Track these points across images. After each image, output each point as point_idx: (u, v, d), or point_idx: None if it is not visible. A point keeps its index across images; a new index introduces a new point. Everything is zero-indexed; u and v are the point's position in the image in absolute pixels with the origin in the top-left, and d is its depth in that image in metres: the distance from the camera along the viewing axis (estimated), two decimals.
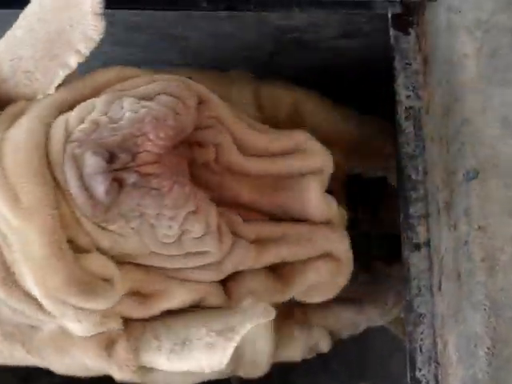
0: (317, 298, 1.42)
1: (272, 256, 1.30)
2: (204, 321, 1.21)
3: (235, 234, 1.23)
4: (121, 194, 1.06)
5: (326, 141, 1.41)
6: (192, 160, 1.21)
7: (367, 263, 1.70)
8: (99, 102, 1.13)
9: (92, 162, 1.04)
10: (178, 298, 1.22)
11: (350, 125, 1.64)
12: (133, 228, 1.10)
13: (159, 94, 1.15)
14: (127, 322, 1.21)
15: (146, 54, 1.69)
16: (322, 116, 1.58)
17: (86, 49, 1.18)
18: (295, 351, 1.57)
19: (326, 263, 1.35)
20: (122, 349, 1.20)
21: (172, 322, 1.22)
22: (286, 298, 1.35)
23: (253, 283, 1.29)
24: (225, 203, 1.25)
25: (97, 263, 1.11)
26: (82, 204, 1.06)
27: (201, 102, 1.21)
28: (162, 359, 1.20)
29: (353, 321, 1.63)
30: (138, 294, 1.20)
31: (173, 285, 1.21)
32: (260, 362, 1.41)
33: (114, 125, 1.08)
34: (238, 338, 1.16)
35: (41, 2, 1.21)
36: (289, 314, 1.53)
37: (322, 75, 1.73)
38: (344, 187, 1.62)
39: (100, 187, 1.04)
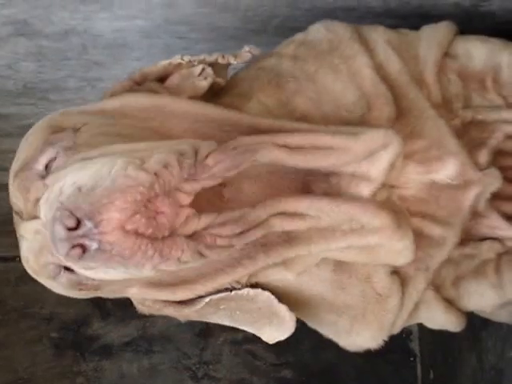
0: None
1: None
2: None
3: None
4: (85, 256, 1.14)
5: None
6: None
7: None
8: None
9: (55, 230, 1.14)
10: None
11: None
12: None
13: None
14: None
15: (349, 1, 1.68)
16: None
17: None
18: (485, 306, 1.58)
19: None
20: None
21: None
22: None
23: None
24: None
25: None
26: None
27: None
28: None
29: None
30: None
31: None
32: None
33: (91, 193, 1.14)
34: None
35: None
36: (480, 273, 1.54)
37: None
38: None
39: (60, 251, 1.14)
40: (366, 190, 1.33)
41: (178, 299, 1.38)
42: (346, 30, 1.49)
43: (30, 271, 1.32)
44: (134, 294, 1.37)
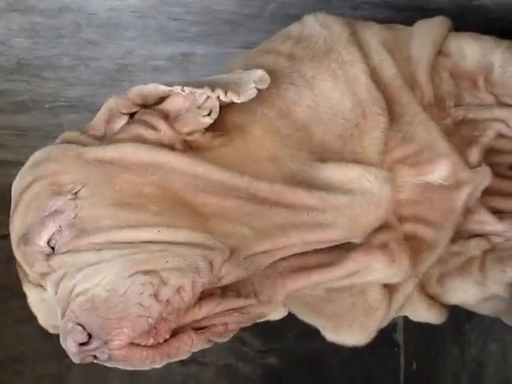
0: None
1: None
2: None
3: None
4: (98, 360, 1.20)
5: None
6: None
7: None
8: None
9: (69, 345, 1.20)
10: None
11: None
12: None
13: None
14: None
15: None
16: None
17: None
18: (468, 300, 1.61)
19: None
20: None
21: None
22: None
23: None
24: None
25: None
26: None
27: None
28: None
29: None
30: None
31: None
32: None
33: (104, 307, 1.18)
34: None
35: None
36: (465, 271, 1.55)
37: None
38: None
39: (75, 360, 1.22)
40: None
41: None
42: (343, 29, 1.46)
43: None
44: None
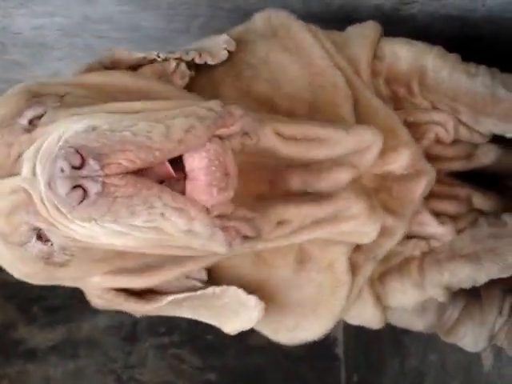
0: None
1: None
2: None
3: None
4: (85, 202, 1.05)
5: (451, 97, 1.51)
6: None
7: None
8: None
9: (57, 167, 1.05)
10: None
11: (478, 83, 1.55)
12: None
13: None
14: None
15: (271, 2, 1.68)
16: (445, 72, 1.53)
17: None
18: (407, 303, 1.61)
19: None
20: None
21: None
22: None
23: None
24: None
25: None
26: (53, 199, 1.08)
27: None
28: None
29: (470, 277, 1.60)
30: None
31: None
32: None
33: (107, 133, 1.07)
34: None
35: None
36: (404, 271, 1.56)
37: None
38: None
39: (60, 190, 1.05)
40: (347, 175, 1.35)
41: (142, 285, 1.32)
42: (290, 17, 1.48)
43: None
44: (95, 283, 1.29)
